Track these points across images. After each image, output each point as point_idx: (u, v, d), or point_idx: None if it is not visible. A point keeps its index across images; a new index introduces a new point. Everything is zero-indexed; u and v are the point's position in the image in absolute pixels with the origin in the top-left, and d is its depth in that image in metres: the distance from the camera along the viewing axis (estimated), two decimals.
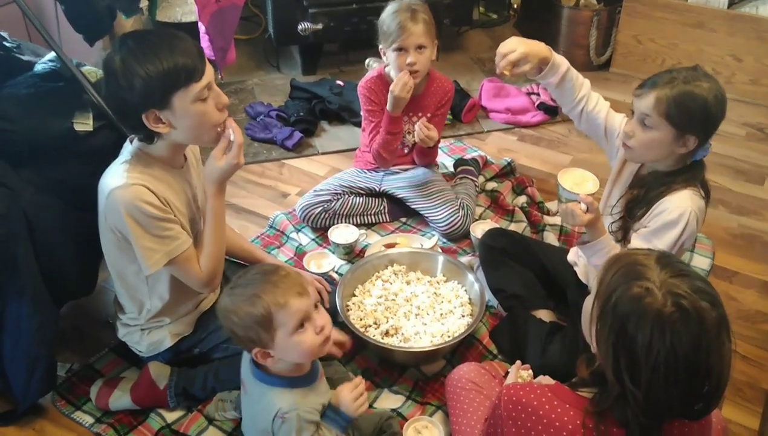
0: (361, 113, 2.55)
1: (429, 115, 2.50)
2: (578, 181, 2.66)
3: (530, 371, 1.74)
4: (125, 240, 1.65)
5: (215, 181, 1.69)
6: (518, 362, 1.77)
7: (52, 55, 1.97)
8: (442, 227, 2.46)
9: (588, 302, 1.25)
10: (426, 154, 2.58)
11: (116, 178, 1.61)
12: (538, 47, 1.86)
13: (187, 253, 1.69)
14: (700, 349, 1.10)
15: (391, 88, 2.31)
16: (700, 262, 2.41)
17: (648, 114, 1.67)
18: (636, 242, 1.75)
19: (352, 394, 1.56)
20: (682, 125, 1.65)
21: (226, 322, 1.45)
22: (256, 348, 1.44)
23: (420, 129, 2.39)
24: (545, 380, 1.54)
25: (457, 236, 2.47)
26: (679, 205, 1.69)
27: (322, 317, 1.49)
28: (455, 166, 2.80)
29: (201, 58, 1.57)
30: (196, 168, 1.85)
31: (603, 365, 1.18)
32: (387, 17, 2.30)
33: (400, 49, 2.29)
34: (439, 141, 2.62)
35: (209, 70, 1.60)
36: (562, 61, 1.91)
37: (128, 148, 1.68)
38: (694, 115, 1.64)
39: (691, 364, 1.11)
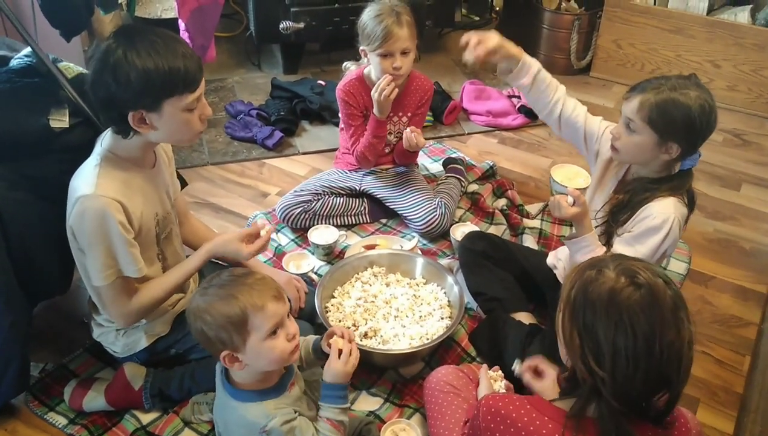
0: (340, 116, 2.54)
1: (409, 114, 2.50)
2: (570, 176, 2.69)
3: (500, 372, 1.75)
4: (78, 244, 1.65)
5: (215, 249, 1.74)
6: (484, 365, 1.78)
7: (28, 50, 1.94)
8: (419, 225, 2.46)
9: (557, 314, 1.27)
10: (407, 155, 2.58)
11: (86, 184, 1.59)
12: (510, 44, 1.91)
13: (131, 281, 1.68)
14: (654, 322, 1.12)
15: (373, 94, 2.31)
16: (676, 266, 2.44)
17: (631, 118, 1.69)
18: (618, 246, 1.76)
19: (340, 361, 1.53)
20: (664, 132, 1.67)
21: (197, 322, 1.41)
22: (225, 351, 1.42)
23: (409, 137, 2.40)
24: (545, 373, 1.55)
25: (435, 235, 2.48)
26: (663, 211, 1.70)
27: (293, 325, 1.48)
28: (444, 164, 2.81)
29: (200, 68, 1.57)
30: (168, 166, 1.84)
31: (572, 360, 1.19)
32: (370, 21, 2.28)
33: (385, 55, 2.29)
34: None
35: (203, 82, 1.59)
36: (533, 63, 1.92)
37: (97, 150, 1.65)
38: (676, 123, 1.65)
39: (648, 338, 1.11)
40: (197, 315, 1.42)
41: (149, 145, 1.69)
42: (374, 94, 2.31)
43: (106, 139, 1.66)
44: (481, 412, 1.26)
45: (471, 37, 1.89)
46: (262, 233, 1.73)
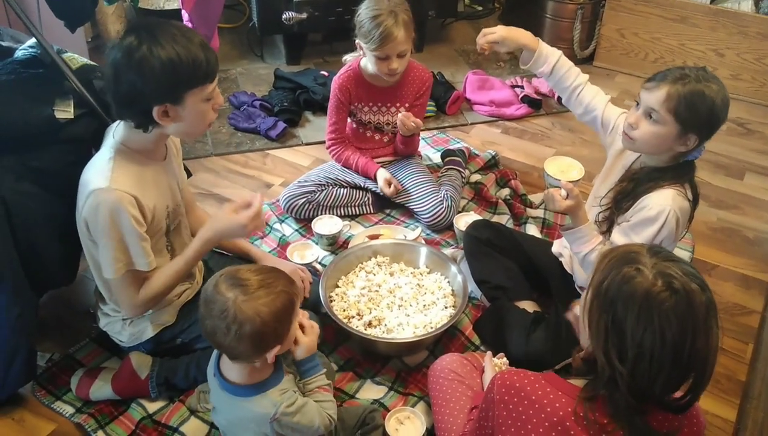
0: (329, 103, 2.55)
1: (407, 105, 2.51)
2: (564, 169, 2.69)
3: (505, 359, 1.76)
4: (91, 237, 1.66)
5: (210, 231, 1.71)
6: (489, 352, 1.79)
7: (32, 41, 1.94)
8: (426, 218, 2.46)
9: (583, 298, 1.26)
10: (407, 143, 2.59)
11: (100, 177, 1.59)
12: (519, 33, 1.99)
13: (140, 273, 1.68)
14: (686, 330, 1.11)
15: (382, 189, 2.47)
16: (679, 255, 2.43)
17: (656, 108, 1.66)
18: (616, 235, 1.77)
19: (305, 335, 1.54)
20: (688, 124, 1.66)
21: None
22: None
23: (402, 121, 2.41)
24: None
25: (442, 227, 2.48)
26: (659, 202, 1.70)
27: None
28: (443, 157, 2.81)
29: (216, 57, 1.58)
30: (177, 157, 1.85)
31: (594, 348, 1.19)
32: (367, 21, 2.26)
33: (382, 57, 2.30)
34: (419, 136, 2.64)
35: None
36: (552, 52, 1.98)
37: (110, 143, 1.66)
38: (701, 115, 1.65)
39: (677, 344, 1.11)
40: None
41: (163, 138, 1.70)
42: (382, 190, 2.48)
43: (118, 131, 1.66)
44: (496, 385, 1.27)
45: (481, 32, 2.01)
46: (255, 203, 1.69)
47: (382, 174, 2.51)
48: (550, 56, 1.98)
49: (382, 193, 2.50)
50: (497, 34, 1.97)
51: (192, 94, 1.55)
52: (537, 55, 1.97)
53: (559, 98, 2.20)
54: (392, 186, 2.49)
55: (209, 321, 1.40)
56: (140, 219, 1.62)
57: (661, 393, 1.16)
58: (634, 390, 1.14)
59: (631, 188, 1.79)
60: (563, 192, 1.74)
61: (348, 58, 2.56)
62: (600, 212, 1.86)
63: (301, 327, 1.54)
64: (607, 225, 1.84)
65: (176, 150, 1.86)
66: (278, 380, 1.50)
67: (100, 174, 1.60)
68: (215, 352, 1.55)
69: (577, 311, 1.35)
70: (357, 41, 2.35)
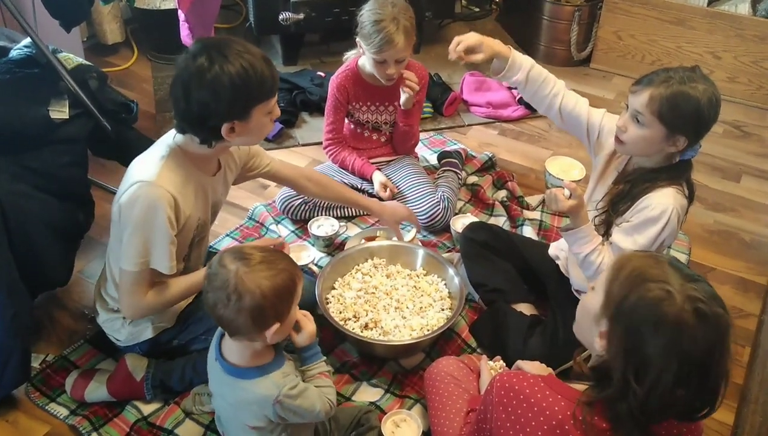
0: (327, 102, 2.54)
1: None
2: (565, 169, 2.68)
3: (501, 363, 1.76)
4: (120, 225, 1.64)
5: None
6: (484, 356, 1.79)
7: (27, 41, 1.94)
8: (423, 219, 2.46)
9: (590, 302, 1.25)
10: (405, 139, 2.58)
11: (148, 171, 1.60)
12: (494, 41, 1.89)
13: (153, 275, 1.67)
14: (713, 354, 1.11)
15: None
16: (676, 258, 2.43)
17: (641, 111, 1.67)
18: (617, 236, 1.76)
19: (309, 325, 1.56)
20: (674, 125, 1.66)
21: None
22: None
23: (403, 90, 2.38)
24: (526, 365, 1.54)
25: (438, 229, 2.48)
26: (661, 202, 1.70)
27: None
28: (439, 158, 2.80)
29: (277, 72, 1.61)
30: (233, 174, 1.87)
31: (610, 362, 1.17)
32: (369, 24, 2.24)
33: (380, 61, 2.30)
34: (418, 130, 2.62)
35: None
36: (524, 60, 1.91)
37: (167, 141, 1.66)
38: (686, 117, 1.64)
39: (703, 368, 1.11)
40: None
41: (223, 151, 1.72)
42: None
43: (179, 134, 1.66)
44: (495, 387, 1.27)
45: (454, 40, 1.90)
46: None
47: (378, 177, 2.51)
48: (524, 63, 1.90)
49: (378, 196, 2.50)
50: (473, 39, 1.87)
51: (258, 110, 1.58)
52: (510, 62, 1.89)
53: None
54: (388, 190, 2.48)
55: (211, 294, 1.40)
56: (174, 222, 1.61)
57: (677, 411, 1.16)
58: (645, 407, 1.13)
59: (628, 190, 1.78)
60: (566, 192, 1.73)
61: (349, 55, 2.55)
62: (596, 216, 1.86)
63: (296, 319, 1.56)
64: (604, 228, 1.84)
65: (235, 166, 1.87)
66: (280, 364, 1.51)
67: (149, 168, 1.60)
68: (216, 338, 1.55)
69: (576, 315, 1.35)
70: (357, 39, 2.35)
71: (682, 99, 1.63)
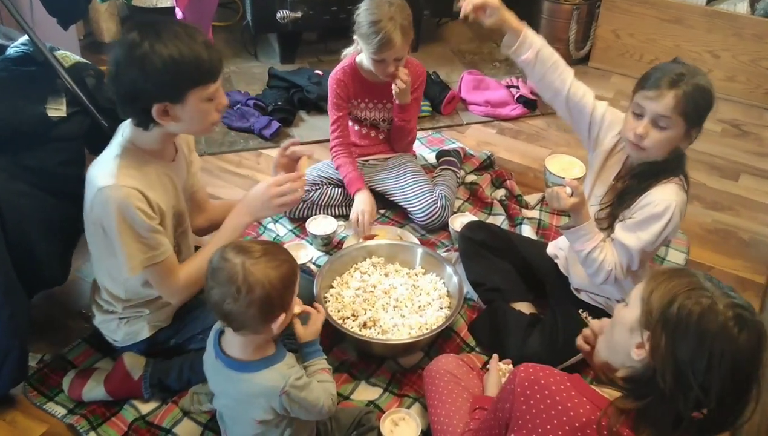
0: (328, 101, 2.53)
1: None
2: (565, 167, 2.68)
3: (511, 366, 1.75)
4: (108, 236, 1.63)
5: (252, 210, 1.76)
6: (495, 355, 1.78)
7: (25, 38, 1.93)
8: (420, 217, 2.45)
9: (624, 315, 1.24)
10: (402, 135, 2.56)
11: (106, 175, 1.58)
12: (511, 13, 1.88)
13: (166, 262, 1.67)
14: (756, 361, 1.13)
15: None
16: (675, 257, 2.44)
17: (667, 115, 1.65)
18: (620, 233, 1.76)
19: (318, 317, 1.60)
20: (693, 120, 1.67)
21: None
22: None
23: (397, 84, 2.35)
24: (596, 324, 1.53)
25: (436, 227, 2.47)
26: (665, 198, 1.70)
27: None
28: (437, 157, 2.80)
29: (220, 57, 1.57)
30: (188, 157, 1.84)
31: (652, 372, 1.17)
32: (366, 24, 2.22)
33: (378, 60, 2.29)
34: (415, 127, 2.61)
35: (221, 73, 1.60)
36: (536, 38, 1.89)
37: (118, 140, 1.64)
38: (705, 109, 1.67)
39: (749, 376, 1.13)
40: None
41: (169, 137, 1.68)
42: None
43: (126, 130, 1.64)
44: (518, 378, 1.24)
45: None
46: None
47: (359, 201, 2.42)
48: (534, 42, 1.88)
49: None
50: (493, 0, 1.84)
51: (193, 94, 1.54)
52: (522, 38, 1.87)
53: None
54: (364, 216, 2.38)
55: (217, 290, 1.39)
56: (150, 212, 1.60)
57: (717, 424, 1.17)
58: (716, 422, 1.15)
59: (636, 184, 1.78)
60: (568, 190, 1.73)
61: (347, 52, 2.54)
62: (600, 210, 1.85)
63: (308, 312, 1.58)
64: (609, 221, 1.84)
65: (188, 150, 1.84)
66: (284, 356, 1.51)
67: (106, 171, 1.58)
68: (213, 337, 1.54)
69: (596, 328, 1.36)
70: (355, 37, 2.34)
71: (699, 93, 1.65)
